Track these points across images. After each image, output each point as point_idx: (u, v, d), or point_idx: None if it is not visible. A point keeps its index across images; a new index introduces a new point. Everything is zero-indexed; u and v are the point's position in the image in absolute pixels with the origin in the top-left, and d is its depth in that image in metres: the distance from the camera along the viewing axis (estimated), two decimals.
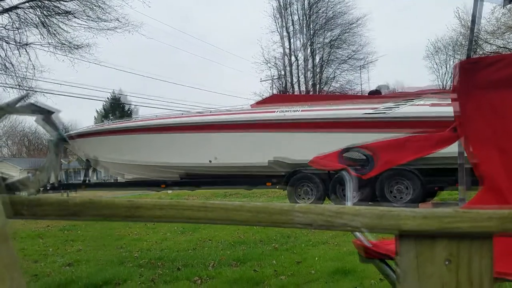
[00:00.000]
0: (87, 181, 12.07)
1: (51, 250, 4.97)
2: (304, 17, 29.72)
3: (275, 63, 29.35)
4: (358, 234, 1.32)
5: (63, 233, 6.63)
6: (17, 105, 0.78)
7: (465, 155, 1.84)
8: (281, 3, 29.43)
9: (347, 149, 1.61)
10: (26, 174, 0.82)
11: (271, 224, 0.73)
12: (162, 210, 0.77)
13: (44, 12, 13.33)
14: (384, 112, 8.00)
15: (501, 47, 20.58)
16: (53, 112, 0.78)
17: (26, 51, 13.72)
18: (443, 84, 34.51)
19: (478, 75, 1.84)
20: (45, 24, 13.37)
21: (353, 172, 1.48)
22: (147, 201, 0.78)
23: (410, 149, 1.72)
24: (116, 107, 41.60)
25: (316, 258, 3.87)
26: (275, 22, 29.60)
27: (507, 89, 1.78)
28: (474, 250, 0.66)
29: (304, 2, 29.55)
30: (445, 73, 35.41)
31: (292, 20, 29.78)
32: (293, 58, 29.71)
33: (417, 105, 7.97)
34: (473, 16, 2.02)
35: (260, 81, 29.57)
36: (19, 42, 13.44)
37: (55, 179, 0.79)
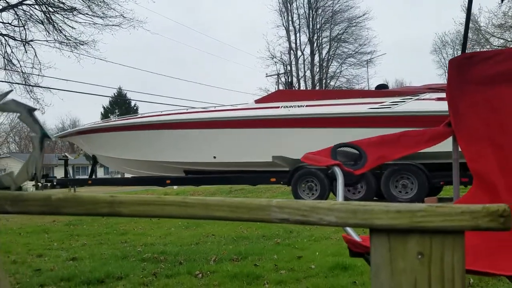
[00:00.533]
0: (93, 177, 12.18)
1: (55, 245, 5.02)
2: (310, 11, 29.61)
3: (281, 58, 29.29)
4: (348, 229, 1.33)
5: (68, 227, 6.70)
6: None
7: (460, 150, 1.83)
8: None
9: (340, 145, 1.61)
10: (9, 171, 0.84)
11: (250, 219, 0.74)
12: (143, 206, 0.78)
13: (50, 8, 13.40)
14: (390, 107, 7.97)
15: (509, 41, 20.39)
16: (35, 109, 0.80)
17: (33, 47, 13.81)
18: None
19: (472, 70, 1.83)
20: (50, 20, 13.44)
21: (346, 168, 1.48)
22: (128, 197, 0.79)
23: (403, 144, 1.72)
24: (122, 104, 41.78)
25: (317, 253, 3.88)
26: (281, 17, 29.53)
27: (503, 84, 1.77)
28: (446, 245, 0.66)
29: None
30: None
31: (298, 14, 29.69)
32: (299, 52, 29.62)
33: (423, 99, 7.93)
34: (468, 12, 2.01)
35: (266, 76, 29.55)
36: (24, 39, 13.54)
37: (38, 174, 0.81)
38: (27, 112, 0.78)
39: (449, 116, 1.86)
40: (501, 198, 1.60)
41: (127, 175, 13.25)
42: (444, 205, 0.66)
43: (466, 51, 2.01)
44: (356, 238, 1.30)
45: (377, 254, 0.69)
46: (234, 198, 0.77)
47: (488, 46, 21.01)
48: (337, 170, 1.45)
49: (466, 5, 2.03)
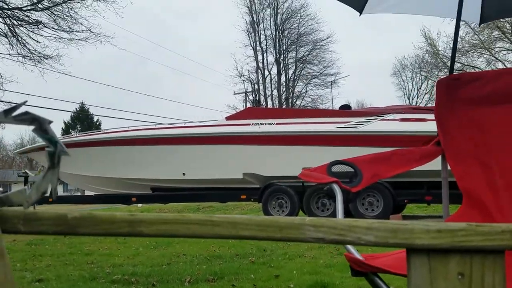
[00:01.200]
0: (53, 195, 11.70)
1: (18, 266, 4.75)
2: (277, 32, 30.14)
3: (249, 77, 29.55)
4: (349, 247, 1.31)
5: (30, 247, 6.38)
6: (13, 114, 0.74)
7: (449, 168, 1.87)
8: (254, 19, 29.78)
9: (335, 162, 1.61)
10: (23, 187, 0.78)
11: (282, 239, 0.71)
12: (166, 225, 0.74)
13: (14, 21, 12.99)
14: (356, 127, 8.14)
15: (465, 65, 21.40)
16: (50, 122, 0.75)
17: None
18: (409, 100, 35.61)
19: (459, 92, 1.89)
20: (14, 34, 13.02)
21: (343, 185, 1.48)
22: (149, 215, 0.75)
23: (396, 163, 1.74)
24: (85, 119, 40.78)
25: (294, 272, 3.85)
26: (249, 37, 29.91)
27: (488, 105, 1.83)
28: (486, 265, 0.66)
29: (276, 18, 30.00)
30: (411, 90, 36.54)
31: (265, 35, 30.16)
32: (266, 72, 29.99)
33: (387, 120, 8.15)
34: (456, 33, 2.08)
35: (234, 94, 29.66)
36: None
37: (53, 192, 0.75)
38: (43, 125, 0.73)
39: (437, 136, 1.91)
40: (491, 217, 1.63)
41: (87, 193, 12.82)
42: (484, 225, 0.65)
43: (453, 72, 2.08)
44: (359, 256, 1.28)
45: (417, 274, 0.68)
46: (264, 216, 0.74)
47: (445, 70, 21.96)
48: (336, 188, 1.44)
49: (453, 29, 2.11)
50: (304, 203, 8.38)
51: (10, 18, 12.98)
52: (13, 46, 13.24)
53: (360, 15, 2.65)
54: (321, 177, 1.49)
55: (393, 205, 8.09)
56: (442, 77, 2.00)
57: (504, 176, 1.72)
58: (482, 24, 2.78)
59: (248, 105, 28.08)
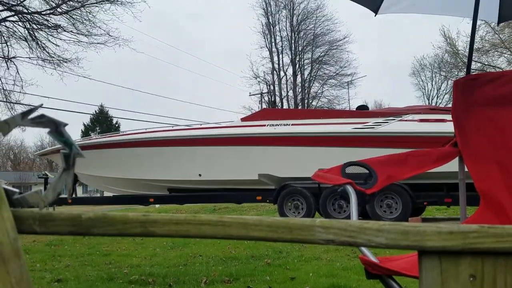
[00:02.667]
0: (72, 196, 11.90)
1: (38, 266, 4.85)
2: (292, 33, 30.11)
3: (264, 78, 29.56)
4: (364, 250, 1.31)
5: (50, 248, 6.50)
6: (29, 117, 0.76)
7: (466, 170, 1.84)
8: (270, 20, 29.80)
9: (350, 164, 1.60)
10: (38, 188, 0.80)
11: (292, 240, 0.72)
12: (178, 225, 0.75)
13: (34, 25, 13.25)
14: (373, 128, 8.06)
15: (486, 64, 21.02)
16: (65, 124, 0.76)
17: (15, 64, 13.59)
18: (429, 101, 35.13)
19: (477, 92, 1.86)
20: (33, 37, 13.27)
21: (358, 187, 1.47)
22: (162, 215, 0.76)
23: (412, 164, 1.72)
24: (104, 121, 41.33)
25: (310, 274, 3.84)
26: (264, 38, 29.93)
27: (508, 105, 1.80)
28: (498, 267, 0.65)
29: (292, 19, 29.96)
30: (431, 90, 36.05)
31: (281, 37, 30.15)
32: (281, 73, 29.97)
33: (406, 120, 8.05)
34: (472, 34, 2.05)
35: (250, 95, 29.71)
36: (7, 56, 13.32)
37: (68, 194, 0.77)
38: (58, 128, 0.75)
39: (454, 137, 1.88)
40: (509, 218, 1.60)
41: (107, 194, 12.99)
42: (496, 226, 0.65)
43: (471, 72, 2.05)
44: (373, 259, 1.28)
45: (428, 276, 0.67)
46: (275, 218, 0.74)
47: (465, 70, 21.58)
48: (350, 189, 1.43)
49: (470, 28, 2.08)
50: (321, 205, 8.33)
51: (30, 22, 13.24)
52: (32, 50, 13.51)
53: (375, 15, 2.64)
54: (335, 179, 1.48)
55: (412, 207, 7.98)
56: (460, 77, 1.97)
57: None
58: (502, 23, 2.74)
59: (264, 106, 28.10)
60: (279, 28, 30.08)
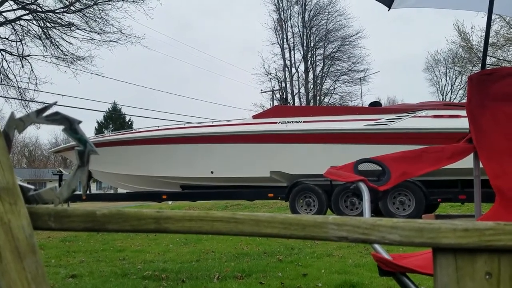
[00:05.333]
0: (86, 192, 12.04)
1: (53, 262, 4.92)
2: (304, 29, 29.96)
3: (276, 75, 29.50)
4: (377, 246, 1.30)
5: (64, 244, 6.59)
6: (44, 114, 0.76)
7: (481, 166, 1.82)
8: (282, 16, 29.68)
9: (362, 161, 1.59)
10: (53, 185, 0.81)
11: (305, 237, 0.72)
12: (192, 222, 0.75)
13: (48, 24, 13.40)
14: (386, 124, 7.99)
15: (500, 59, 20.70)
16: (80, 122, 0.77)
17: (29, 62, 13.76)
18: (443, 96, 34.72)
19: (492, 87, 1.83)
20: (47, 36, 13.42)
21: (371, 184, 1.46)
22: (176, 212, 0.76)
23: (426, 161, 1.70)
24: (117, 118, 41.66)
25: (322, 271, 3.83)
26: (276, 35, 29.85)
27: None
28: None
29: (304, 15, 29.82)
30: (445, 85, 35.63)
31: (293, 33, 30.03)
32: (293, 70, 29.87)
33: (419, 116, 7.97)
34: (487, 28, 2.02)
35: (261, 92, 29.69)
36: (21, 54, 13.49)
37: (82, 190, 0.78)
38: (72, 125, 0.75)
39: (469, 133, 1.86)
40: None
41: (120, 190, 13.12)
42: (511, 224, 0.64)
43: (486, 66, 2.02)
44: (387, 256, 1.27)
45: (443, 274, 0.67)
46: (287, 214, 0.74)
47: (480, 65, 21.31)
48: (363, 186, 1.42)
49: (485, 23, 2.05)
50: (333, 202, 8.30)
51: (44, 21, 13.39)
52: (46, 48, 13.68)
53: (389, 10, 2.61)
54: (347, 176, 1.47)
55: (425, 204, 7.91)
56: (474, 72, 1.94)
57: None
58: None
59: (275, 103, 28.05)
60: (290, 24, 30.00)
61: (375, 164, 1.59)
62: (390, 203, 8.09)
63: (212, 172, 9.03)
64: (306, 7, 29.71)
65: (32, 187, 0.78)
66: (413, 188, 7.83)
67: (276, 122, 8.74)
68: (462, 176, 7.11)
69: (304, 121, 8.60)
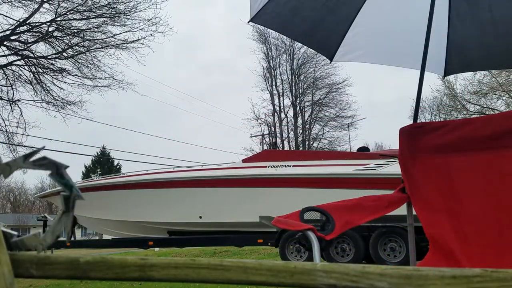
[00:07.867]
0: (71, 239, 11.73)
1: None
2: (293, 77, 30.70)
3: (265, 120, 29.87)
4: None
5: None
6: (31, 159, 0.76)
7: (414, 213, 1.88)
8: (271, 64, 30.46)
9: (307, 209, 1.60)
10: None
11: (293, 285, 0.70)
12: (177, 269, 0.74)
13: (39, 69, 13.53)
14: (375, 169, 8.05)
15: (484, 107, 21.27)
16: (66, 166, 0.77)
17: (19, 106, 13.78)
18: None
19: (423, 139, 1.91)
20: (39, 81, 13.52)
21: (318, 233, 1.47)
22: (161, 259, 0.75)
23: (366, 210, 1.75)
24: (105, 163, 41.38)
25: None
26: (265, 81, 30.48)
27: (453, 153, 1.85)
28: None
29: (292, 63, 30.64)
30: None
31: (282, 80, 30.72)
32: (282, 115, 30.30)
33: None
34: (420, 85, 2.13)
35: (251, 137, 29.89)
36: (11, 99, 13.52)
37: (67, 236, 0.76)
38: (59, 170, 0.75)
39: (402, 182, 1.93)
40: (459, 264, 1.61)
41: (106, 237, 12.83)
42: (499, 270, 0.64)
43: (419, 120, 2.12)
44: None
45: None
46: (275, 261, 0.73)
47: (465, 112, 21.86)
48: (312, 235, 1.42)
49: (418, 78, 2.15)
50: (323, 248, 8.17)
51: (35, 66, 13.52)
52: (37, 93, 13.72)
53: (330, 62, 2.72)
54: (296, 224, 1.48)
55: (416, 250, 7.82)
56: (405, 126, 2.03)
57: (471, 223, 1.71)
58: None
59: (265, 147, 28.20)
60: (279, 71, 30.73)
61: (319, 212, 1.60)
62: (380, 249, 8.00)
63: (200, 217, 8.90)
64: (295, 56, 30.60)
65: (15, 233, 0.76)
66: (403, 234, 7.78)
67: (265, 166, 8.74)
68: None
69: (293, 165, 8.62)
